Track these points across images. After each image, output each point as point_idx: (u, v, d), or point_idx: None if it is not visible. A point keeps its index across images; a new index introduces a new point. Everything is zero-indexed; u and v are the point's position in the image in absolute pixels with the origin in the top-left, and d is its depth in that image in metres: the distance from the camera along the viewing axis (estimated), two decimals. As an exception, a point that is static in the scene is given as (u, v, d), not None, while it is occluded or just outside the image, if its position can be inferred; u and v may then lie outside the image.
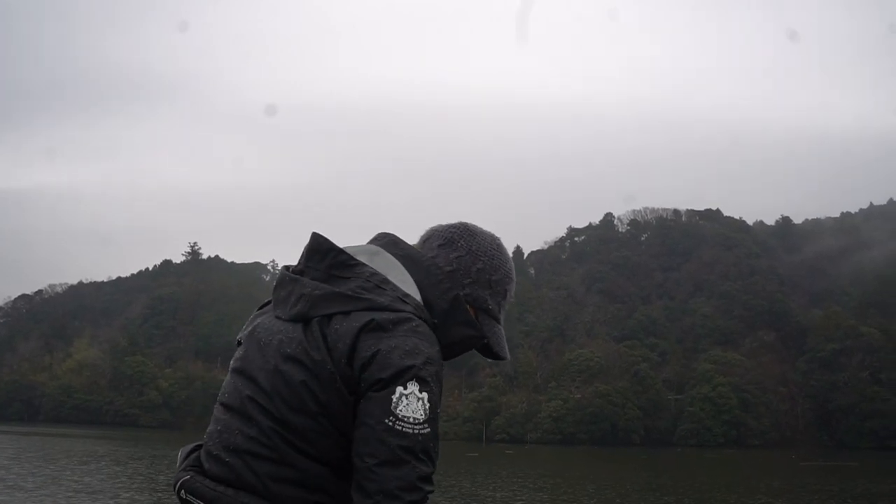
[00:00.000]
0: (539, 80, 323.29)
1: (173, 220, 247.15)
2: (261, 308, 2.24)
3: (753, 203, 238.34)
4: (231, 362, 2.15)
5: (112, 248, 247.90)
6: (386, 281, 2.07)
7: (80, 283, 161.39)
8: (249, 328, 2.17)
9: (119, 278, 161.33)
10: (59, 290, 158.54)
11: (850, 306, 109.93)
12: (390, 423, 1.87)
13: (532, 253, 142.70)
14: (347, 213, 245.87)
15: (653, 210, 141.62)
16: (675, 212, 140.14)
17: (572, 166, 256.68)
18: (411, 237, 2.24)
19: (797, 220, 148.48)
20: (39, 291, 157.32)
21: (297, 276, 2.12)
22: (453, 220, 2.35)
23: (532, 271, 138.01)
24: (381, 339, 1.94)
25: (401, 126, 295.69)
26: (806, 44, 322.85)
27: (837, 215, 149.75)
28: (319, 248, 2.14)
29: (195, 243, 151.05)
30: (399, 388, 1.90)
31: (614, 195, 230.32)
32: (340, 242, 2.14)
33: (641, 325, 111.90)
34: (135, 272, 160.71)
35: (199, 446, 2.14)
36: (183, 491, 2.02)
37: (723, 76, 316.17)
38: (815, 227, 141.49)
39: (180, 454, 2.17)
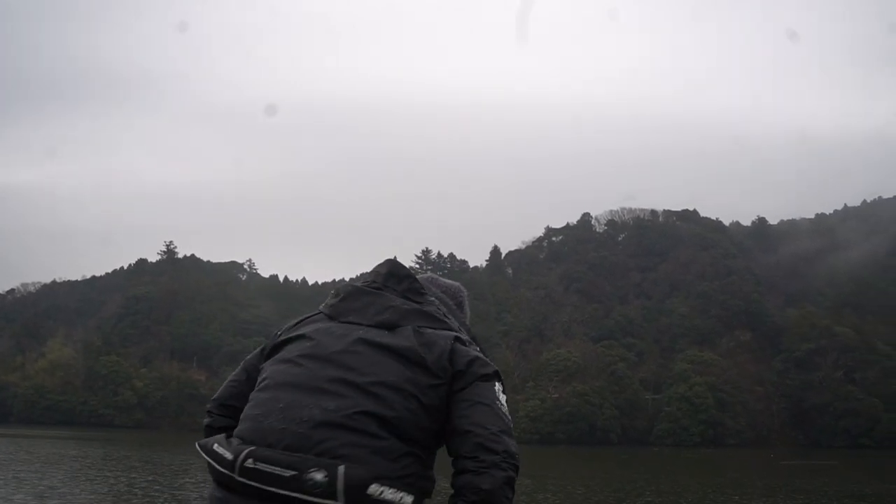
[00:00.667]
0: (517, 80, 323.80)
1: (149, 218, 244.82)
2: (307, 318, 2.55)
3: (729, 204, 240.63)
4: (286, 353, 2.40)
5: (87, 246, 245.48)
6: (448, 312, 2.60)
7: (54, 282, 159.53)
8: (313, 327, 2.45)
9: (94, 277, 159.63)
10: (31, 289, 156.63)
11: (825, 306, 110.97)
12: (499, 406, 2.32)
13: (510, 253, 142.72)
14: (327, 213, 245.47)
15: (630, 210, 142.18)
16: (653, 212, 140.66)
17: (550, 166, 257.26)
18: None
19: (772, 220, 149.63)
20: (12, 290, 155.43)
21: (378, 291, 2.49)
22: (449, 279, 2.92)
23: (510, 271, 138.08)
24: (471, 351, 2.40)
25: (382, 126, 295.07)
26: (785, 48, 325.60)
27: (812, 216, 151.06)
28: (398, 273, 2.55)
29: (171, 242, 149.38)
30: (497, 384, 2.38)
31: (592, 196, 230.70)
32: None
33: (619, 324, 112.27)
34: (109, 271, 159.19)
35: (225, 434, 2.30)
36: (251, 460, 2.09)
37: (699, 79, 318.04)
38: (790, 228, 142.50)
39: (212, 443, 2.24)
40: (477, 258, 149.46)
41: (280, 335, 2.50)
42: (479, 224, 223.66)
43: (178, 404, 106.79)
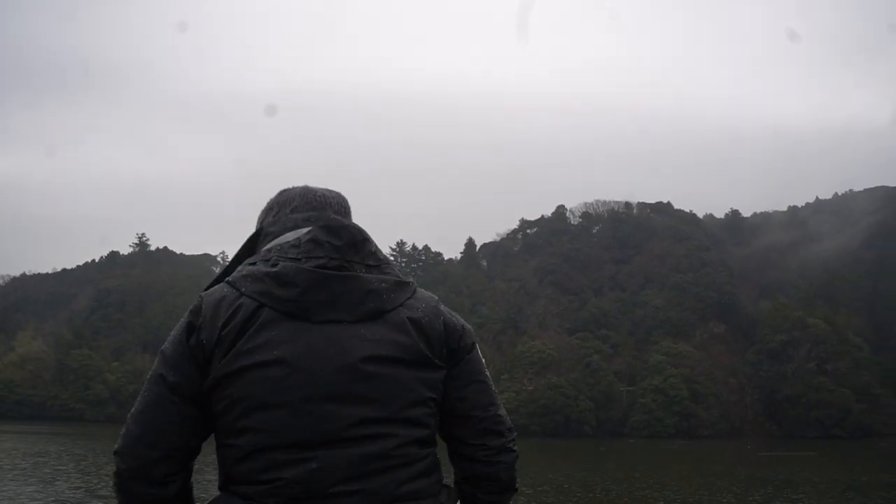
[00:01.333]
0: (494, 70, 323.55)
1: (121, 210, 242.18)
2: (248, 317, 1.91)
3: (702, 196, 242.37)
4: (266, 390, 1.86)
5: (57, 238, 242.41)
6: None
7: (24, 275, 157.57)
8: (277, 337, 1.89)
9: (64, 270, 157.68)
10: (0, 281, 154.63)
11: (798, 298, 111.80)
12: (487, 376, 2.20)
13: (484, 245, 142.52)
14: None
15: (604, 202, 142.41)
16: (627, 204, 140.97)
17: (526, 158, 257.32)
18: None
19: (745, 213, 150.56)
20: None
21: (346, 273, 1.99)
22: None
23: (484, 263, 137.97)
24: (456, 320, 2.14)
25: (356, 116, 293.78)
26: (755, 39, 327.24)
27: (785, 209, 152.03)
28: (356, 239, 2.07)
29: (143, 234, 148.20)
30: (478, 349, 2.21)
31: (566, 187, 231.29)
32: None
33: (593, 317, 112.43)
34: (80, 264, 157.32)
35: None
36: None
37: (674, 73, 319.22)
38: (763, 221, 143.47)
39: None
40: (452, 250, 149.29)
41: (219, 353, 1.87)
42: (454, 216, 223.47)
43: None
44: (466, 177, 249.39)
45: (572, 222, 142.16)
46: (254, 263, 2.00)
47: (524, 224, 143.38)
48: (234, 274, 2.01)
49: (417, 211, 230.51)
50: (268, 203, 2.26)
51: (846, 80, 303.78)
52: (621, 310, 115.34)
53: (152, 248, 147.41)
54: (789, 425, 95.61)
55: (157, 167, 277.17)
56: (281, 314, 1.89)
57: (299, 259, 1.96)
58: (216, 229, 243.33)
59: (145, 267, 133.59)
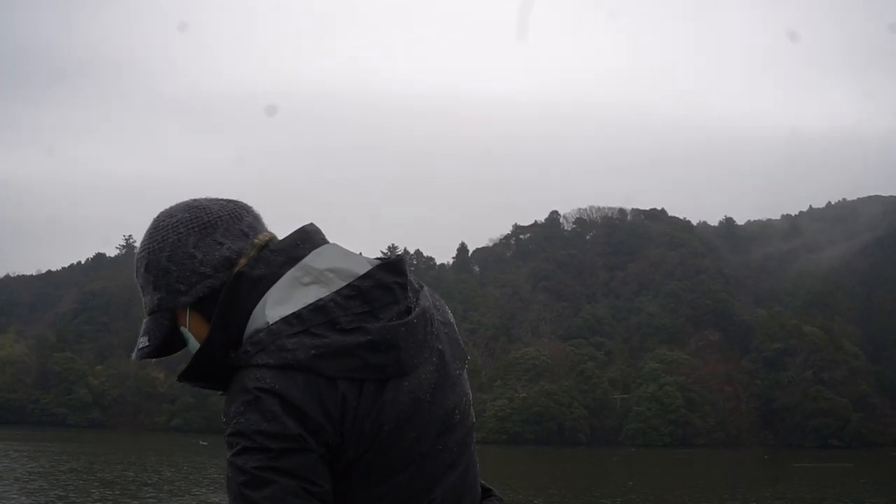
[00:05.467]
0: (490, 77, 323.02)
1: (107, 212, 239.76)
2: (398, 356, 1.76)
3: (696, 204, 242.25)
4: (408, 452, 1.76)
5: (42, 240, 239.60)
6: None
7: (7, 277, 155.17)
8: (400, 411, 1.75)
9: (49, 272, 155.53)
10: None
11: (794, 306, 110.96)
12: None
13: (477, 250, 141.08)
14: (290, 206, 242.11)
15: (598, 209, 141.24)
16: (621, 211, 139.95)
17: (519, 163, 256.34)
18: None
19: (739, 221, 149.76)
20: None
21: (415, 311, 1.81)
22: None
23: (477, 269, 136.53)
24: None
25: (350, 119, 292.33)
26: (756, 47, 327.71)
27: (778, 217, 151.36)
28: (406, 269, 1.86)
29: (130, 236, 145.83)
30: None
31: (560, 193, 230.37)
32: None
33: (587, 323, 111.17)
34: (66, 266, 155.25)
35: None
36: None
37: (669, 79, 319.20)
38: (757, 229, 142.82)
39: None
40: (444, 256, 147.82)
41: (345, 446, 1.67)
42: (446, 221, 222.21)
43: (136, 403, 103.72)
44: (459, 182, 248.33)
45: (566, 228, 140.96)
46: (304, 331, 1.68)
47: (517, 229, 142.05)
48: (295, 353, 1.66)
49: (409, 216, 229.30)
50: (172, 226, 1.84)
51: (844, 89, 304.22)
52: (615, 317, 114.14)
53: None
54: (786, 434, 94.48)
55: (144, 167, 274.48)
56: (381, 381, 1.73)
57: (371, 311, 1.74)
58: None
59: (131, 269, 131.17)
